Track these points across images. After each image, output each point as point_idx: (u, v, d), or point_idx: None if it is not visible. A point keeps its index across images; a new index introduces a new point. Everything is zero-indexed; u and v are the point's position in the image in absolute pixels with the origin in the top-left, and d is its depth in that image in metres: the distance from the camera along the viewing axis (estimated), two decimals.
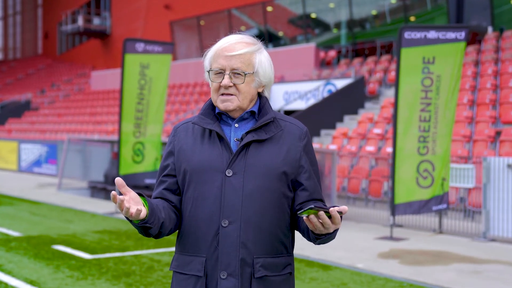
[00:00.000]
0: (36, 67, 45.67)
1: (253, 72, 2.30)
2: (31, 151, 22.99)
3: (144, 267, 7.42)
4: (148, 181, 12.50)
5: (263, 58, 2.33)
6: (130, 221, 2.18)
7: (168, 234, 2.33)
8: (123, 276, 7.00)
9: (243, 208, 2.23)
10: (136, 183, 12.78)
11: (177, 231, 2.38)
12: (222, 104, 2.29)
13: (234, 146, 2.29)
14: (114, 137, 15.95)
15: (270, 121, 2.31)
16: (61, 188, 16.93)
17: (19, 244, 8.84)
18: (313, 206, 2.06)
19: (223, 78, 2.28)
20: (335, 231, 2.17)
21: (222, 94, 2.29)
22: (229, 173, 2.23)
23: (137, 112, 12.24)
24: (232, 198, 2.23)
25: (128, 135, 12.21)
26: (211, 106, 2.37)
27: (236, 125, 2.32)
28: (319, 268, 7.48)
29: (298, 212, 2.08)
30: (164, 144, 13.63)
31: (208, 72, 2.32)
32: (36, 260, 7.82)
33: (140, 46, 12.26)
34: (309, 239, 2.28)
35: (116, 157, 14.62)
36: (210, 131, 2.31)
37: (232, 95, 2.28)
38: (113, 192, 2.04)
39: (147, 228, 2.21)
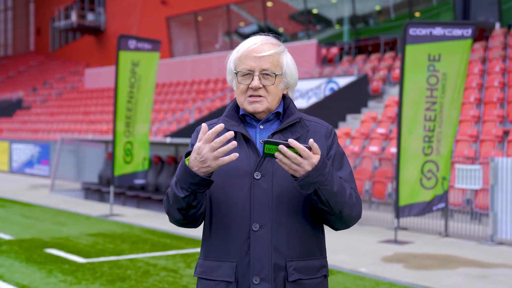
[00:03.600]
0: (28, 64, 45.66)
1: (281, 73, 2.33)
2: (23, 152, 22.99)
3: (139, 272, 7.43)
4: (137, 181, 12.53)
5: (289, 59, 2.37)
6: (189, 177, 2.14)
7: (192, 225, 2.32)
8: (118, 280, 7.00)
9: (273, 211, 2.23)
10: (127, 184, 12.79)
11: (202, 235, 2.38)
12: (251, 105, 2.29)
13: (260, 148, 2.30)
14: (109, 137, 15.96)
15: (296, 121, 2.33)
16: (54, 189, 16.94)
17: (11, 248, 8.85)
18: (265, 140, 2.07)
19: (252, 80, 2.28)
20: (317, 171, 2.11)
21: (250, 96, 2.29)
22: (257, 175, 2.24)
23: (127, 111, 12.28)
24: (261, 201, 2.23)
25: (121, 135, 12.24)
26: (235, 108, 2.38)
27: (261, 126, 2.33)
28: None
29: (262, 154, 2.09)
30: (152, 144, 13.65)
31: (236, 73, 2.32)
32: (28, 264, 7.82)
33: (132, 43, 12.33)
34: (317, 209, 2.24)
35: (110, 158, 14.62)
36: (235, 133, 2.31)
37: (261, 96, 2.29)
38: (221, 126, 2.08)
39: (205, 185, 2.16)
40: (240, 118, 2.35)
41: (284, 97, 2.39)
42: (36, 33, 48.95)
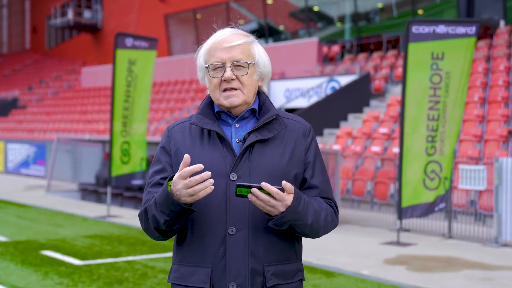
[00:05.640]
0: (23, 62, 45.66)
1: (254, 63, 2.28)
2: (19, 152, 22.99)
3: (137, 274, 7.43)
4: (135, 182, 12.53)
5: (260, 50, 2.33)
6: (168, 205, 2.13)
7: (168, 237, 2.32)
8: (116, 283, 7.00)
9: (250, 214, 2.20)
10: (124, 185, 12.79)
11: (174, 240, 2.34)
12: (227, 100, 2.25)
13: (236, 147, 2.26)
14: (106, 137, 15.97)
15: (273, 118, 2.28)
16: (50, 190, 16.94)
17: (6, 250, 8.85)
18: (238, 183, 2.07)
19: (224, 72, 2.24)
20: (291, 211, 2.12)
21: (225, 90, 2.25)
22: (233, 177, 2.20)
23: (124, 110, 12.28)
24: (238, 204, 2.20)
25: (118, 135, 12.24)
26: (210, 105, 2.33)
27: (237, 124, 2.29)
28: (322, 275, 7.48)
29: (235, 194, 2.09)
30: (150, 144, 13.65)
31: (207, 68, 2.28)
32: (23, 266, 7.82)
33: (129, 41, 12.33)
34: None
35: (107, 158, 14.61)
36: (209, 131, 2.27)
37: (235, 89, 2.25)
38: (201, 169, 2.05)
39: (186, 214, 2.16)
40: (215, 116, 2.30)
41: (259, 93, 2.35)
42: (32, 31, 48.94)
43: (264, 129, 2.26)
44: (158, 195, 2.17)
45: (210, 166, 2.19)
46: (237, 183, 2.08)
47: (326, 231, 2.30)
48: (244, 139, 2.25)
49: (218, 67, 2.25)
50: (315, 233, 2.26)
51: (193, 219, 2.24)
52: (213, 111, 2.32)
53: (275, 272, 2.23)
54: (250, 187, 2.07)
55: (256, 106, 2.32)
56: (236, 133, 2.28)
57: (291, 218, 2.14)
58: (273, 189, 2.07)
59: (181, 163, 2.09)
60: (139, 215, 2.29)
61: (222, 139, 2.25)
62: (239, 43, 2.26)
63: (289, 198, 2.11)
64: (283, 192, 2.10)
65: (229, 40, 2.26)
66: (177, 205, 2.11)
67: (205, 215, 2.21)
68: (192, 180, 2.06)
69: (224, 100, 2.25)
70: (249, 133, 2.25)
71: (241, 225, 2.20)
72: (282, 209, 2.11)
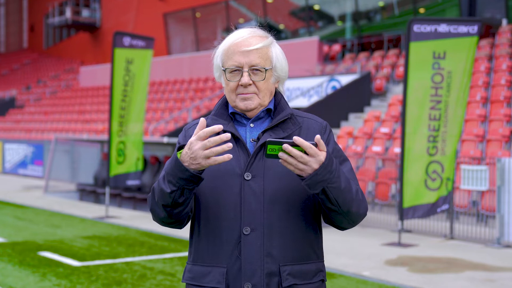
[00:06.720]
0: (21, 62, 45.66)
1: (271, 67, 2.29)
2: (16, 152, 22.99)
3: (136, 275, 7.43)
4: (130, 182, 12.52)
5: (278, 52, 2.33)
6: (177, 172, 2.10)
7: (178, 225, 2.27)
8: (114, 284, 7.01)
9: (265, 213, 2.20)
10: (120, 185, 12.79)
11: (190, 238, 2.35)
12: (243, 103, 2.26)
13: (250, 147, 2.27)
14: (104, 137, 15.97)
15: (287, 118, 2.29)
16: (48, 191, 16.94)
17: (3, 251, 8.85)
18: (269, 140, 2.02)
19: (241, 76, 2.25)
20: (325, 169, 2.06)
21: (241, 93, 2.26)
22: (247, 176, 2.21)
23: (121, 110, 12.29)
24: (252, 203, 2.20)
25: (115, 135, 12.24)
26: (224, 106, 2.35)
27: (252, 125, 2.31)
28: None
29: (265, 155, 2.04)
30: (148, 144, 13.63)
31: (224, 70, 2.29)
32: (21, 267, 7.83)
33: (127, 40, 12.35)
34: (324, 209, 2.20)
35: (106, 158, 14.63)
36: (224, 132, 2.27)
37: (251, 93, 2.25)
38: (227, 136, 2.03)
39: (194, 182, 2.11)
40: (229, 116, 2.32)
41: (275, 93, 2.36)
42: (30, 29, 48.94)
43: (278, 129, 2.27)
44: (167, 164, 2.17)
45: (224, 166, 2.21)
46: (267, 139, 2.03)
47: (358, 210, 2.22)
48: (258, 139, 2.26)
49: (235, 71, 2.26)
50: (348, 207, 2.17)
51: (208, 219, 2.24)
52: (227, 111, 2.33)
53: (292, 272, 2.22)
54: (281, 143, 2.02)
55: (271, 106, 2.33)
56: (250, 133, 2.30)
57: (324, 178, 2.08)
58: (306, 143, 2.03)
59: (197, 126, 2.09)
60: (148, 197, 2.28)
61: (237, 139, 2.26)
62: (257, 47, 2.25)
63: (322, 154, 2.06)
64: (316, 147, 2.06)
65: (247, 43, 2.25)
66: (185, 171, 2.08)
67: (220, 215, 2.21)
68: (211, 140, 2.04)
69: (239, 102, 2.27)
70: (263, 132, 2.26)
71: (255, 225, 2.20)
72: (316, 166, 2.06)
